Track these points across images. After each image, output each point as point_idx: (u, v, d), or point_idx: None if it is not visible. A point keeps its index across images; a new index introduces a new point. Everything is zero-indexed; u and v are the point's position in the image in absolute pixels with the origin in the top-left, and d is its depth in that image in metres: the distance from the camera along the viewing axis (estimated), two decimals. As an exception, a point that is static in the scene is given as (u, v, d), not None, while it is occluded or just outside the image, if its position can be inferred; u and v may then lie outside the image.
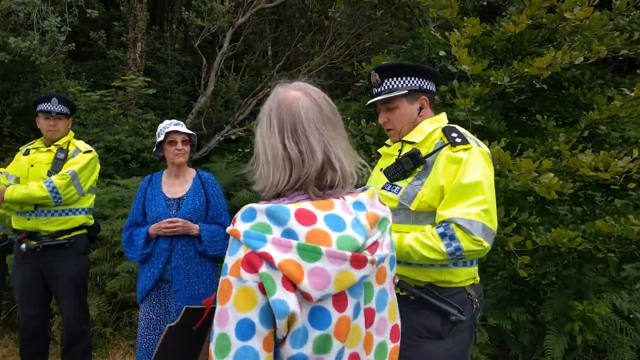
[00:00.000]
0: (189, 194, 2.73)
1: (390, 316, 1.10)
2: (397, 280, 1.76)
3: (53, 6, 6.99)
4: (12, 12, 6.51)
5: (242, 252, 0.90)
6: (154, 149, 2.79)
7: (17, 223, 3.04)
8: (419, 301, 1.75)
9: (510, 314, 3.30)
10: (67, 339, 3.07)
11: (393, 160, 1.88)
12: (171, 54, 10.78)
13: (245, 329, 0.88)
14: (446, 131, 1.81)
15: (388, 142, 2.06)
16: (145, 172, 6.94)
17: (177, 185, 2.76)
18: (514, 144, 2.88)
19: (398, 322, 1.14)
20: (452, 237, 1.62)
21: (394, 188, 1.83)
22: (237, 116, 8.20)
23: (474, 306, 1.81)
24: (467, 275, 1.81)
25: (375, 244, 1.00)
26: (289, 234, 0.90)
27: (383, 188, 1.88)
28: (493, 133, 3.19)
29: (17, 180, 3.03)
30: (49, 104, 3.06)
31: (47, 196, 2.87)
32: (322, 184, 1.01)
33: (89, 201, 3.17)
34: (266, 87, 8.97)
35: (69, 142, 3.15)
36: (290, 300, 0.87)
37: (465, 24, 3.07)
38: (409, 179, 1.80)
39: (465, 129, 1.90)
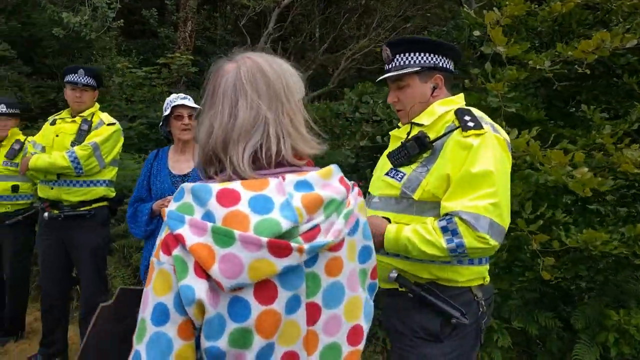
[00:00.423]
0: (195, 171, 2.59)
1: (348, 315, 0.95)
2: (395, 275, 1.65)
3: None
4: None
5: (164, 234, 0.85)
6: (160, 123, 2.69)
7: (41, 191, 3.14)
8: (419, 299, 1.61)
9: (538, 318, 3.08)
10: (85, 308, 3.14)
11: (399, 144, 1.73)
12: (220, 34, 10.87)
13: (159, 314, 0.81)
14: (459, 113, 1.63)
15: (400, 124, 1.89)
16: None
17: (183, 161, 2.64)
18: (549, 133, 2.63)
19: (362, 323, 0.98)
20: (455, 233, 1.47)
21: (397, 174, 1.68)
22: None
23: (480, 309, 1.64)
24: (473, 275, 1.64)
25: (315, 229, 0.87)
26: (208, 215, 0.82)
27: (387, 174, 1.73)
28: (531, 122, 2.94)
29: (43, 150, 3.11)
30: (76, 75, 3.10)
31: (69, 166, 2.92)
32: (258, 161, 0.91)
33: (110, 173, 3.21)
34: (310, 70, 8.88)
35: (94, 114, 3.19)
36: (199, 287, 0.78)
37: (507, 2, 2.82)
38: (414, 165, 1.64)
39: (497, 116, 1.71)
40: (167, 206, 2.48)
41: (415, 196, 1.59)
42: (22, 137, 3.53)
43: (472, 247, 1.46)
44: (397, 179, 1.66)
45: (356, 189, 1.00)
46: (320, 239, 0.86)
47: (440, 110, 1.69)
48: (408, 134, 1.74)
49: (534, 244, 2.21)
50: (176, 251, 0.81)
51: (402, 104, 1.77)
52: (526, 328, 3.10)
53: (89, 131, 3.08)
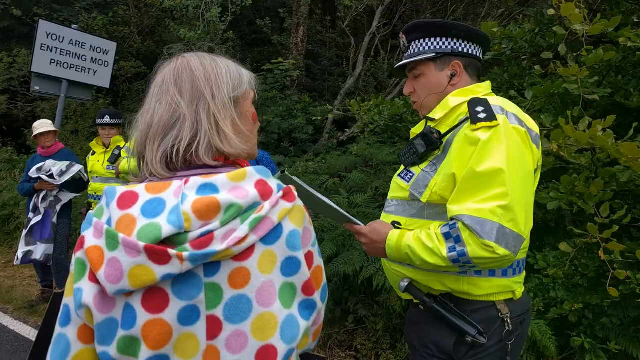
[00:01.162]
0: None
1: (256, 333, 0.84)
2: (405, 284, 1.52)
3: (218, -1, 7.72)
4: (184, 7, 7.40)
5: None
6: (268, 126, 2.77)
7: None
8: (433, 312, 1.46)
9: (643, 341, 2.60)
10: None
11: None
12: (329, 37, 11.07)
13: (64, 316, 0.83)
14: (472, 104, 1.43)
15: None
16: (297, 151, 7.36)
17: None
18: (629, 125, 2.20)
19: (277, 344, 0.84)
20: (458, 239, 1.30)
21: (407, 175, 1.54)
22: (385, 97, 8.06)
23: (506, 327, 1.43)
24: (495, 288, 1.44)
25: (207, 236, 0.80)
26: (109, 218, 0.82)
27: (399, 175, 1.60)
28: (630, 110, 2.51)
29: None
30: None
31: None
32: (171, 162, 0.89)
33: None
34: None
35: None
36: (87, 291, 0.78)
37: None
38: (424, 165, 1.49)
39: (574, 104, 1.47)
40: None
41: (423, 198, 1.44)
42: (122, 144, 3.99)
43: (476, 256, 1.27)
44: (406, 180, 1.53)
45: (280, 193, 0.89)
46: (213, 246, 0.80)
47: (454, 102, 1.51)
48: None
49: (601, 253, 1.85)
50: (79, 254, 0.82)
51: (418, 96, 1.61)
52: (629, 351, 2.65)
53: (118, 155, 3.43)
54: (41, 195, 4.19)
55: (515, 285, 1.48)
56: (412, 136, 1.69)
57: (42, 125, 4.34)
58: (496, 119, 1.35)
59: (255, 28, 11.22)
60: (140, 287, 0.78)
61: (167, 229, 0.79)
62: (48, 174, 4.03)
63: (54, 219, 4.19)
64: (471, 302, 1.44)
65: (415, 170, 1.51)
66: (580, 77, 2.29)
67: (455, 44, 1.54)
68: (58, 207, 4.20)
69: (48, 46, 6.27)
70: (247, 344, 0.83)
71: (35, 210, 4.19)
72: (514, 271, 1.47)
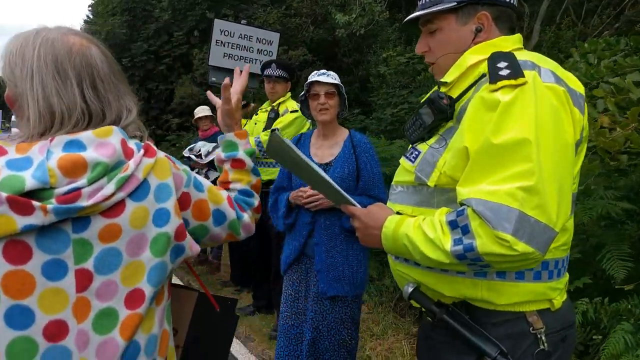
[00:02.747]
0: (338, 159, 2.29)
1: (125, 280, 0.91)
2: (410, 289, 1.24)
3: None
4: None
5: None
6: (298, 105, 2.54)
7: None
8: (443, 325, 1.18)
9: None
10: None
11: None
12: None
13: None
14: (492, 59, 1.13)
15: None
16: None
17: (325, 147, 2.35)
18: None
19: (144, 287, 0.93)
20: (465, 230, 1.02)
21: (411, 153, 1.26)
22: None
23: (541, 346, 1.12)
24: (525, 295, 1.14)
25: (74, 193, 0.85)
26: None
27: (404, 154, 1.31)
28: None
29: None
30: (270, 69, 3.60)
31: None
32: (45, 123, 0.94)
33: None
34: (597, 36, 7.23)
35: (280, 103, 3.62)
36: None
37: None
38: (432, 139, 1.20)
39: None
40: (304, 198, 2.26)
41: (431, 182, 1.16)
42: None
43: (487, 252, 0.99)
44: (411, 160, 1.25)
45: (141, 151, 0.94)
46: (79, 203, 0.85)
47: (472, 59, 1.20)
48: None
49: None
50: None
51: (433, 55, 1.30)
52: None
53: (275, 119, 3.54)
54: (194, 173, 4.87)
55: (553, 292, 1.16)
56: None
57: (200, 111, 5.01)
58: (523, 76, 1.05)
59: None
60: (0, 237, 0.82)
61: (31, 183, 0.82)
62: (197, 154, 4.65)
63: (201, 194, 4.81)
64: (493, 312, 1.14)
65: (422, 147, 1.23)
66: None
67: None
68: (205, 184, 4.80)
69: (222, 42, 7.13)
70: (117, 291, 0.91)
71: (187, 185, 4.89)
72: (550, 274, 1.15)
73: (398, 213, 1.23)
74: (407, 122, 1.30)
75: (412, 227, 1.12)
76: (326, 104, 2.27)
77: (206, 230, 1.09)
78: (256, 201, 1.26)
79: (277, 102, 3.65)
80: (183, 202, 1.01)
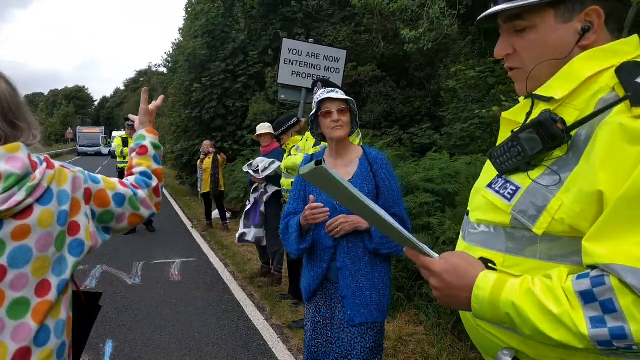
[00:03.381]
0: (356, 177, 2.18)
1: (35, 273, 1.09)
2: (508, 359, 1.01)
3: (444, -7, 7.56)
4: (406, 8, 7.54)
5: None
6: (310, 126, 2.34)
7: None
8: None
9: None
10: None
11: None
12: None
13: None
14: (624, 72, 0.90)
15: (522, 99, 1.14)
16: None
17: (340, 166, 2.23)
18: None
19: (50, 277, 1.11)
20: (609, 307, 0.80)
21: (505, 188, 1.01)
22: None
23: None
24: None
25: None
26: None
27: (489, 185, 1.06)
28: None
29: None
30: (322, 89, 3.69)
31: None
32: None
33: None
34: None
35: None
36: None
37: None
38: (536, 172, 0.96)
39: None
40: (316, 218, 2.16)
41: (538, 228, 0.92)
42: (300, 143, 4.45)
43: None
44: (506, 197, 0.99)
45: (44, 164, 1.13)
46: None
47: (587, 69, 0.96)
48: (528, 115, 1.04)
49: None
50: None
51: (521, 60, 1.05)
52: None
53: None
54: (253, 187, 5.05)
55: None
56: (503, 124, 1.13)
57: (260, 128, 5.21)
58: None
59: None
60: None
61: None
62: (255, 169, 4.82)
63: (262, 208, 4.97)
64: None
65: (521, 180, 0.98)
66: None
67: None
68: (265, 198, 4.97)
69: (290, 60, 7.37)
70: (29, 282, 1.08)
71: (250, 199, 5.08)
72: None
73: (483, 261, 1.02)
74: (494, 148, 1.06)
75: (520, 293, 0.88)
76: (339, 120, 2.18)
77: (111, 215, 1.29)
78: (154, 183, 1.45)
79: None
80: (87, 195, 1.22)
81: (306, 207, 2.10)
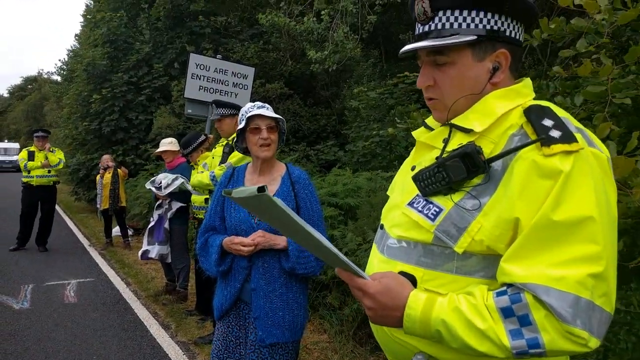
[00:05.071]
0: (277, 195, 2.13)
1: None
2: None
3: (347, 18, 8.01)
4: (312, 30, 7.88)
5: None
6: (234, 139, 2.30)
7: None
8: None
9: None
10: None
11: (431, 158, 1.15)
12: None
13: None
14: (532, 114, 1.04)
15: (429, 120, 1.27)
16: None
17: (262, 183, 2.12)
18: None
19: None
20: (525, 321, 0.91)
21: (429, 209, 1.10)
22: None
23: None
24: None
25: None
26: None
27: (411, 204, 1.14)
28: None
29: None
30: (215, 110, 3.79)
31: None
32: None
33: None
34: None
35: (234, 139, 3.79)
36: None
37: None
38: (458, 196, 1.06)
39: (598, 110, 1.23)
40: (244, 252, 2.06)
41: (458, 247, 1.02)
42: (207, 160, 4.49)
43: (555, 348, 0.90)
44: (429, 217, 1.08)
45: None
46: None
47: (501, 108, 1.09)
48: (445, 141, 1.15)
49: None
50: None
51: (440, 92, 1.15)
52: None
53: (229, 153, 3.68)
54: (157, 203, 4.96)
55: None
56: (418, 145, 1.26)
57: (162, 145, 5.14)
58: (576, 140, 0.95)
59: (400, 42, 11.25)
60: None
61: None
62: (157, 186, 4.75)
63: (166, 225, 4.90)
64: None
65: (443, 202, 1.07)
66: (610, 76, 1.87)
67: (504, 23, 1.09)
68: (169, 214, 4.90)
69: (197, 75, 7.32)
70: None
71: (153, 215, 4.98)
72: None
73: (402, 274, 1.10)
74: (419, 171, 1.14)
75: (448, 311, 0.97)
76: (268, 139, 2.15)
77: None
78: None
79: (232, 137, 3.81)
80: None
81: (234, 240, 2.09)
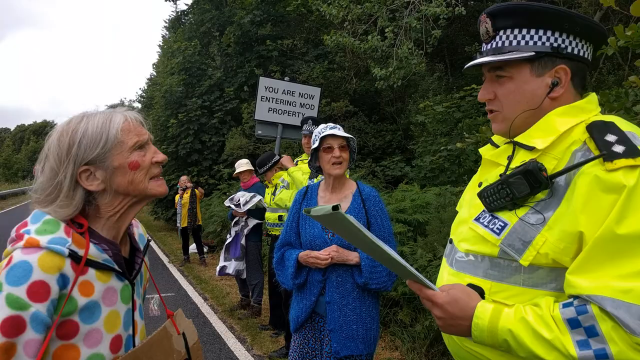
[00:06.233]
0: (348, 212, 2.23)
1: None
2: None
3: (411, 34, 8.04)
4: (376, 48, 7.99)
5: None
6: (309, 158, 2.45)
7: None
8: None
9: None
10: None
11: (496, 175, 1.19)
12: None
13: None
14: (595, 130, 1.07)
15: (495, 137, 1.32)
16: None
17: (334, 201, 2.30)
18: None
19: None
20: (592, 332, 0.93)
21: (494, 223, 1.14)
22: None
23: None
24: None
25: None
26: None
27: (477, 219, 1.19)
28: None
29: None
30: (306, 125, 3.94)
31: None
32: None
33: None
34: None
35: None
36: None
37: None
38: (522, 211, 1.09)
39: None
40: (318, 263, 2.25)
41: (524, 260, 1.06)
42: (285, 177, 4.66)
43: (623, 359, 0.92)
44: (495, 231, 1.12)
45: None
46: None
47: (563, 124, 1.12)
48: (509, 159, 1.20)
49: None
50: None
51: (500, 104, 1.21)
52: None
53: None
54: (234, 220, 5.22)
55: None
56: (484, 162, 1.33)
57: (239, 166, 5.42)
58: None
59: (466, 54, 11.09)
60: None
61: None
62: (236, 203, 5.00)
63: (242, 241, 5.12)
64: None
65: (508, 217, 1.12)
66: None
67: (564, 41, 1.14)
68: (245, 231, 5.13)
69: (266, 97, 7.65)
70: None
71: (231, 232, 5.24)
72: None
73: (471, 286, 1.15)
74: (484, 188, 1.19)
75: (515, 321, 1.01)
76: (340, 157, 2.27)
77: None
78: None
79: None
80: None
81: (310, 254, 2.21)
